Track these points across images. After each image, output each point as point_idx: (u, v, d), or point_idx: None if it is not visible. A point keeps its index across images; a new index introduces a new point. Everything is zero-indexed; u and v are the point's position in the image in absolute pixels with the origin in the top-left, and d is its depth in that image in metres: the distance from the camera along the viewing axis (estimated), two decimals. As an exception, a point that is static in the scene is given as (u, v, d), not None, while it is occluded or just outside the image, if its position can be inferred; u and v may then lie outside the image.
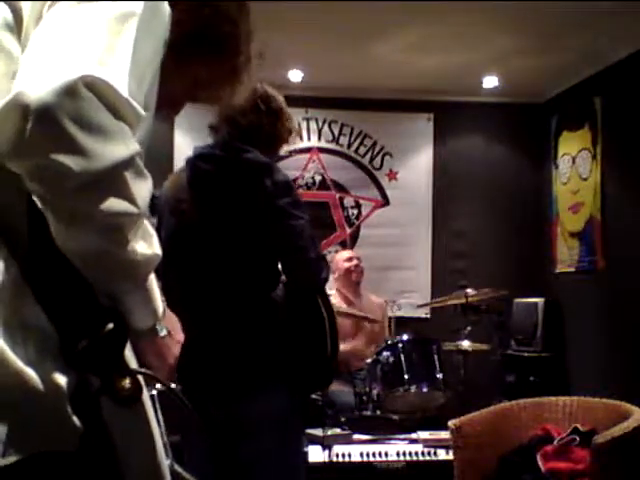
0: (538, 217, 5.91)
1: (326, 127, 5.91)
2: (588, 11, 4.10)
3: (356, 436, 3.90)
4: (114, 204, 0.94)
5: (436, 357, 4.19)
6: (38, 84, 0.89)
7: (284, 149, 2.49)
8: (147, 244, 1.03)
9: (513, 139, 6.00)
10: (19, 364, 0.93)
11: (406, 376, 4.06)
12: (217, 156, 2.33)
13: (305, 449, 3.46)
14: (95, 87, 0.91)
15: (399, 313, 5.62)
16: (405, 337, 4.26)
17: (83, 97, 0.90)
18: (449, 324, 4.76)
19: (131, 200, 0.96)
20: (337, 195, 5.92)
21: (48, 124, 0.88)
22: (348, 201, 5.95)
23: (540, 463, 2.99)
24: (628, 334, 4.62)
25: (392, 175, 5.96)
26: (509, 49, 4.85)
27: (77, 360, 0.96)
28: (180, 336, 1.26)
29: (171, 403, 1.17)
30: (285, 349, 2.25)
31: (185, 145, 5.46)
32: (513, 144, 6.01)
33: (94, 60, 0.93)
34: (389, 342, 4.27)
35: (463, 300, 4.52)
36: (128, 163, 0.95)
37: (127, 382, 0.98)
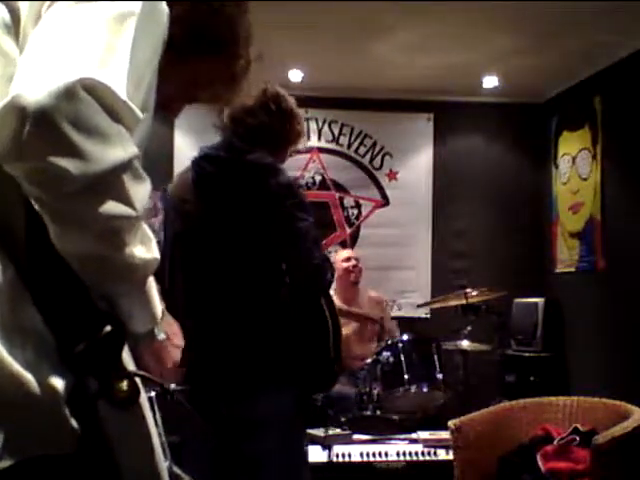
0: (538, 217, 5.90)
1: (326, 127, 5.91)
2: (588, 11, 4.10)
3: (356, 436, 3.89)
4: (112, 207, 0.93)
5: (436, 357, 4.19)
6: (36, 86, 0.89)
7: (291, 151, 2.49)
8: (146, 248, 1.02)
9: (513, 139, 5.99)
10: (16, 367, 0.92)
11: (406, 376, 4.06)
12: (221, 158, 2.32)
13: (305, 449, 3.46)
14: (94, 90, 0.91)
15: (399, 313, 5.64)
16: (405, 337, 4.26)
17: (81, 100, 0.89)
18: (449, 324, 4.76)
19: (129, 203, 0.95)
20: (337, 195, 5.92)
21: (46, 127, 0.88)
22: (348, 201, 5.94)
23: (540, 463, 2.99)
24: (628, 334, 4.62)
25: (392, 175, 5.96)
26: (509, 49, 4.85)
27: (74, 363, 0.96)
28: (180, 341, 1.26)
29: (170, 403, 1.17)
30: (288, 351, 2.25)
31: (185, 146, 5.46)
32: (513, 144, 6.00)
33: (93, 61, 0.92)
34: (389, 342, 4.27)
35: (463, 300, 4.51)
36: (126, 166, 0.95)
37: (124, 384, 0.98)
